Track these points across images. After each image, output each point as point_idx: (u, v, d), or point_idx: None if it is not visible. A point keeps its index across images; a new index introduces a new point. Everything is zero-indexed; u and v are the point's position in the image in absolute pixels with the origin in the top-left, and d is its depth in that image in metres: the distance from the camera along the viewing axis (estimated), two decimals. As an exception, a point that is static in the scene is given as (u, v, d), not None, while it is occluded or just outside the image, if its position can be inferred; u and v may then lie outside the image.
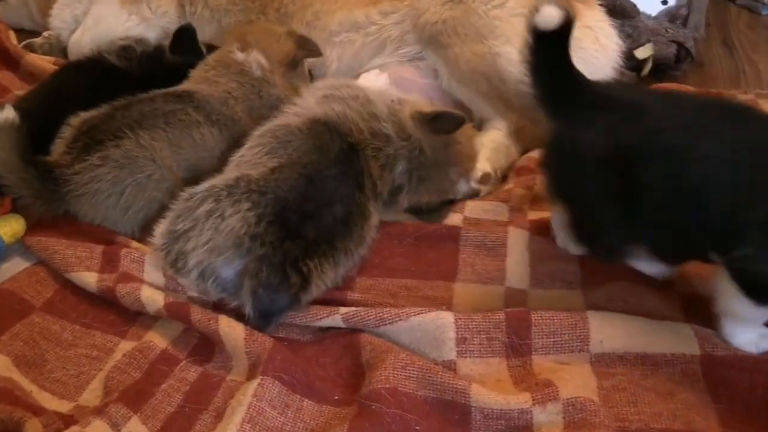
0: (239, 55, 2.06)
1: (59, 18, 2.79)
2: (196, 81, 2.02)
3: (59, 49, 2.82)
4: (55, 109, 1.90)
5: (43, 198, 1.73)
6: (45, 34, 2.86)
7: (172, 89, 1.97)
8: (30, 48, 2.79)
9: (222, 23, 2.54)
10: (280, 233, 1.50)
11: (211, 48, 2.24)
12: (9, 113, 1.69)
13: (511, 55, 2.11)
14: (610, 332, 1.45)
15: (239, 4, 2.51)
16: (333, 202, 1.60)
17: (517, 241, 1.76)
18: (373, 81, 2.17)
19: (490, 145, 2.09)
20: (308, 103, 1.83)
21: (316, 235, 1.54)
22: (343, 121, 1.73)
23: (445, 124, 1.81)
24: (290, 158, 1.63)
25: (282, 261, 1.49)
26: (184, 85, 2.01)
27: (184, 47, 2.18)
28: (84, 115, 1.82)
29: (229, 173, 1.64)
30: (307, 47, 2.17)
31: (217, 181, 1.59)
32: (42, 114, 1.92)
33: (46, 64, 2.60)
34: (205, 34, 2.51)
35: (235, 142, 1.81)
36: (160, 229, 1.59)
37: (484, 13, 2.16)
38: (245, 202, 1.51)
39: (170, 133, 1.82)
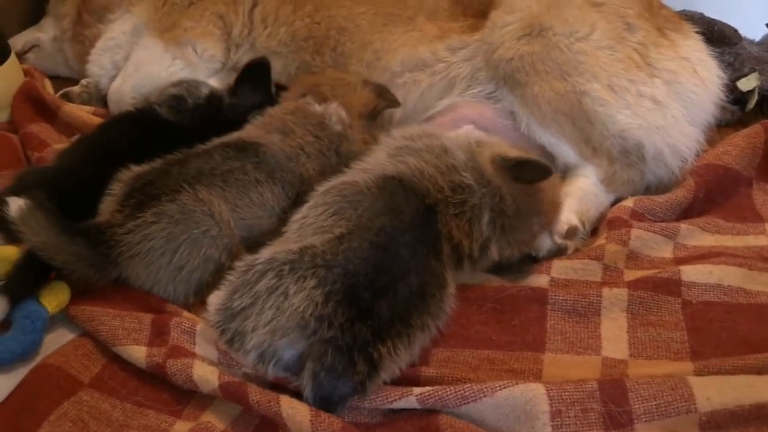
0: (317, 108, 2.11)
1: (98, 64, 2.87)
2: (270, 124, 2.08)
3: (98, 97, 2.91)
4: (99, 166, 1.98)
5: (97, 266, 1.78)
6: (83, 82, 2.94)
7: (236, 137, 2.03)
8: (67, 97, 2.88)
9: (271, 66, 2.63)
10: (350, 313, 1.51)
11: (281, 88, 2.33)
12: (16, 203, 1.73)
13: (598, 93, 2.13)
14: (716, 388, 1.45)
15: (291, 45, 2.59)
16: (408, 273, 1.60)
17: (612, 304, 1.77)
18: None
19: (577, 195, 2.11)
20: (379, 157, 1.87)
21: (391, 313, 1.54)
22: (419, 179, 1.76)
23: (530, 172, 1.83)
24: (359, 222, 1.65)
25: (350, 345, 1.49)
26: (253, 133, 2.06)
27: (253, 85, 2.25)
28: (136, 170, 1.89)
29: (291, 242, 1.66)
30: (386, 97, 2.22)
31: (278, 252, 1.60)
32: (84, 171, 2.02)
33: (84, 114, 2.68)
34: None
35: (301, 201, 1.85)
36: (215, 302, 1.62)
37: (566, 47, 2.18)
38: (311, 278, 1.53)
39: (228, 192, 1.87)
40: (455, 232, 1.75)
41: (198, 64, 2.65)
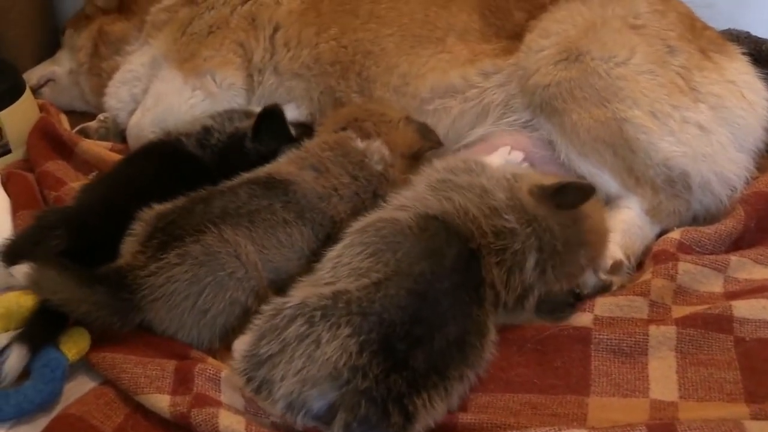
0: (359, 144, 2.12)
1: (116, 98, 2.93)
2: (305, 159, 2.08)
3: (116, 132, 2.96)
4: (120, 203, 2.01)
5: (120, 312, 1.79)
6: (100, 116, 3.00)
7: (265, 173, 2.04)
8: (84, 133, 2.92)
9: (292, 90, 2.67)
10: (385, 365, 1.50)
11: (305, 128, 2.35)
12: (20, 271, 1.76)
13: (639, 120, 2.14)
14: (774, 436, 1.44)
15: (314, 69, 2.62)
16: (446, 323, 1.59)
17: (660, 342, 1.77)
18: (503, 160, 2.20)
19: (621, 227, 2.11)
20: (419, 191, 1.87)
21: (427, 365, 1.54)
22: (463, 221, 1.75)
23: (572, 196, 1.83)
24: (398, 267, 1.64)
25: (384, 396, 1.49)
26: (284, 169, 2.06)
27: (271, 133, 2.25)
28: (159, 209, 1.91)
29: (324, 282, 1.67)
30: (430, 138, 2.23)
31: (310, 296, 1.60)
32: (105, 209, 2.05)
33: (102, 150, 2.72)
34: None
35: (332, 243, 1.85)
36: (241, 348, 1.62)
37: (605, 73, 2.20)
38: (345, 326, 1.52)
39: (254, 232, 1.88)
40: (496, 281, 1.74)
41: (218, 94, 2.69)
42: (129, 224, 1.90)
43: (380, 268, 1.64)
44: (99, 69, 3.09)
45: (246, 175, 2.03)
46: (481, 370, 1.68)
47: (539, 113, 2.28)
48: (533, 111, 2.31)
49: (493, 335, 1.71)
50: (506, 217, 1.78)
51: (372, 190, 2.07)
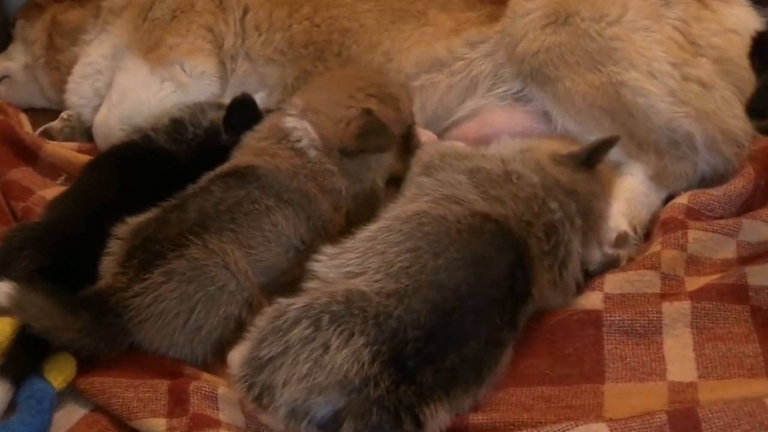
0: (289, 121, 2.08)
1: (77, 93, 2.91)
2: (252, 152, 2.07)
3: (82, 131, 2.93)
4: (92, 213, 2.03)
5: (106, 338, 1.80)
6: (63, 115, 2.97)
7: (227, 167, 2.03)
8: (48, 134, 2.89)
9: (265, 77, 2.67)
10: (395, 376, 1.51)
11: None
12: (2, 290, 1.76)
13: (637, 82, 2.16)
14: (798, 414, 1.47)
15: (288, 53, 2.62)
16: (466, 342, 1.59)
17: (674, 320, 1.79)
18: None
19: (625, 197, 2.13)
20: (459, 181, 1.84)
21: (433, 382, 1.54)
22: (522, 229, 1.74)
23: (603, 152, 1.89)
24: (432, 278, 1.61)
25: (396, 405, 1.49)
26: (243, 160, 2.05)
27: (244, 122, 2.22)
28: (133, 223, 1.89)
29: (345, 272, 1.66)
30: (367, 142, 2.07)
31: (317, 298, 1.59)
32: (77, 221, 2.04)
33: (69, 152, 2.70)
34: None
35: (314, 225, 1.88)
36: (240, 353, 1.62)
37: (597, 34, 2.20)
38: (359, 336, 1.51)
39: (239, 233, 1.87)
40: (544, 287, 1.76)
41: (189, 84, 2.68)
42: (103, 234, 1.89)
43: (414, 273, 1.61)
44: (56, 62, 3.07)
45: (212, 173, 2.01)
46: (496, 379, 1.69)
47: (530, 82, 2.30)
48: (524, 80, 2.32)
49: (510, 351, 1.71)
50: (551, 203, 1.80)
51: (321, 180, 2.03)
